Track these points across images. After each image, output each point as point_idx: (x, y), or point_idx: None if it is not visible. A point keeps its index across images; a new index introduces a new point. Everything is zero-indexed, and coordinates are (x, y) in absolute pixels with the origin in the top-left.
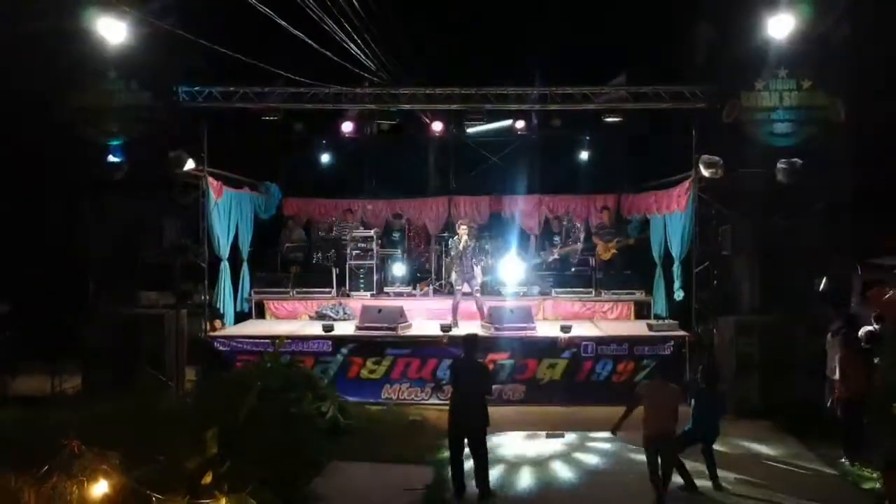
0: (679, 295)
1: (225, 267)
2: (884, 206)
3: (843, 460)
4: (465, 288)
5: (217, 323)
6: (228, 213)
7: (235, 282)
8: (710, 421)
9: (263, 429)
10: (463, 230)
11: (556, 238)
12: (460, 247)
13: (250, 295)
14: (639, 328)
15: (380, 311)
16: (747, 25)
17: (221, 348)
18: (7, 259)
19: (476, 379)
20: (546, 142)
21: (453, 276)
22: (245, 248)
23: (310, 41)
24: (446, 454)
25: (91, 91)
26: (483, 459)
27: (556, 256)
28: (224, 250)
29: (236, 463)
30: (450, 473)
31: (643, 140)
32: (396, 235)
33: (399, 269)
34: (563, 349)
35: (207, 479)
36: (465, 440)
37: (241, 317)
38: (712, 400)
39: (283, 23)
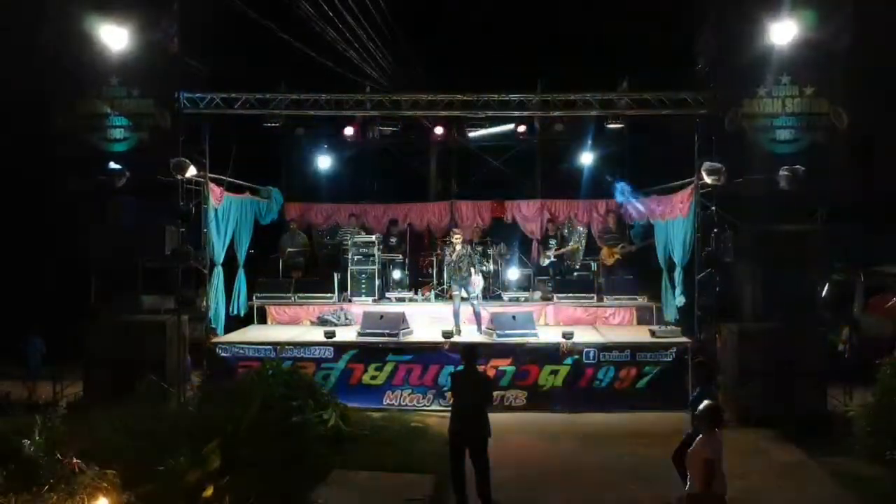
0: (680, 301)
1: (218, 272)
2: (887, 213)
3: None
4: (464, 294)
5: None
6: (227, 219)
7: (233, 287)
8: None
9: (265, 440)
10: (456, 239)
11: (552, 241)
12: (453, 256)
13: (250, 300)
14: (641, 334)
15: (381, 317)
16: (750, 32)
17: (223, 355)
18: (10, 265)
19: (476, 389)
20: (548, 146)
21: (451, 282)
22: (242, 253)
23: (312, 48)
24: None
25: (93, 98)
26: (484, 469)
27: (552, 259)
28: (219, 256)
29: (238, 475)
30: (451, 483)
31: (645, 146)
32: (398, 240)
33: (400, 274)
34: (565, 355)
35: (208, 492)
36: (466, 450)
37: (238, 322)
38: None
39: (286, 36)
